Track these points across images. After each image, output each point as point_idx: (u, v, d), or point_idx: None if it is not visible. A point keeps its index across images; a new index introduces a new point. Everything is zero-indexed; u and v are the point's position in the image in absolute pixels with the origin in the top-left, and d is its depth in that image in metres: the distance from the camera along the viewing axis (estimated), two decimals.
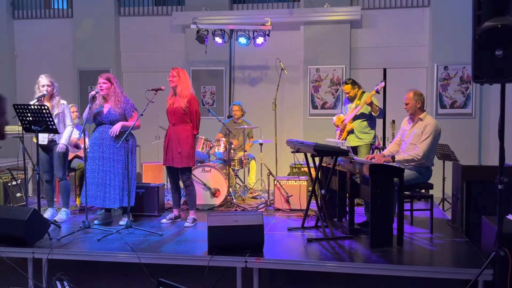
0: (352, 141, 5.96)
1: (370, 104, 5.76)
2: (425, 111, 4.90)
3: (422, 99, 4.85)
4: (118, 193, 5.06)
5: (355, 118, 5.96)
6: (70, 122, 5.32)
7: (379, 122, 6.96)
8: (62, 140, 5.17)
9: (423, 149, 4.67)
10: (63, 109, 5.26)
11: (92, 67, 8.84)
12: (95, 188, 5.06)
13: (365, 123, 5.98)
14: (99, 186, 5.05)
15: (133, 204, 5.15)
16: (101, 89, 5.06)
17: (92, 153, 5.09)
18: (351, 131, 6.00)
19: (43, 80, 5.17)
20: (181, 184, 5.41)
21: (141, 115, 5.03)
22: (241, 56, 8.61)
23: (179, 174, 5.26)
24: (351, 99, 6.07)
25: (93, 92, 5.07)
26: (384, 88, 7.30)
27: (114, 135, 4.99)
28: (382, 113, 5.99)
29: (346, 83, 6.07)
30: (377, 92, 5.84)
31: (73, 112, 6.19)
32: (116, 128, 4.99)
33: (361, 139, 5.97)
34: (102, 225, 5.18)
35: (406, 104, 4.87)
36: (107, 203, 5.06)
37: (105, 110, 5.09)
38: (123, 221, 5.11)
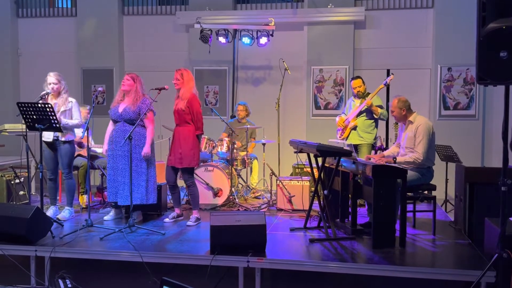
0: (353, 139, 5.94)
1: (370, 106, 5.78)
2: (414, 112, 4.93)
3: (406, 105, 4.91)
4: (137, 190, 5.12)
5: (360, 114, 5.94)
6: (78, 117, 5.33)
7: (382, 123, 6.95)
8: (66, 121, 5.16)
9: (421, 151, 4.69)
10: (70, 107, 5.26)
11: (95, 66, 8.87)
12: (115, 185, 5.14)
13: (369, 121, 5.96)
14: (117, 183, 5.13)
15: (155, 201, 5.32)
16: (123, 84, 5.16)
17: (110, 151, 5.20)
18: (354, 128, 5.98)
19: (50, 78, 5.21)
20: (181, 183, 5.42)
21: (144, 114, 5.06)
22: (244, 56, 8.61)
23: (179, 174, 5.28)
24: (359, 95, 6.04)
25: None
26: (388, 89, 7.29)
27: (147, 156, 5.11)
28: (385, 116, 6.00)
29: (356, 78, 6.07)
30: (385, 84, 5.85)
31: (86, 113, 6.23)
32: (147, 150, 5.10)
33: (362, 137, 5.96)
34: (114, 220, 5.35)
35: (392, 112, 4.98)
36: (126, 200, 5.12)
37: (121, 108, 5.13)
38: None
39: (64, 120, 5.12)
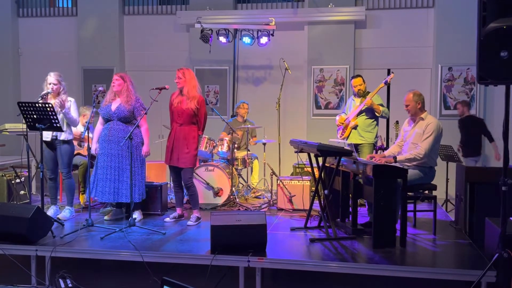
0: (354, 139, 5.93)
1: (371, 105, 5.78)
2: (425, 110, 4.92)
3: (421, 99, 4.88)
4: (128, 188, 5.10)
5: (360, 113, 5.94)
6: (76, 117, 5.34)
7: (383, 122, 6.95)
8: (68, 110, 5.17)
9: (424, 147, 4.68)
10: (69, 106, 5.26)
11: (96, 65, 8.88)
12: (104, 183, 5.11)
13: (370, 120, 5.95)
14: (109, 182, 5.10)
15: (145, 197, 5.35)
16: (113, 85, 5.15)
17: (101, 149, 5.16)
18: (355, 127, 5.98)
19: (50, 78, 5.21)
20: None
21: (145, 113, 5.08)
22: (245, 55, 8.61)
23: (181, 173, 5.28)
24: (360, 94, 6.03)
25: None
26: (388, 88, 7.29)
27: (147, 155, 5.25)
28: (387, 114, 5.99)
29: (356, 76, 6.06)
30: (386, 83, 5.85)
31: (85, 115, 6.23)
32: (147, 149, 5.22)
33: (363, 137, 5.94)
34: (113, 221, 5.29)
35: (407, 106, 4.92)
36: (119, 197, 5.10)
37: (114, 107, 5.13)
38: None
39: (67, 105, 5.12)
